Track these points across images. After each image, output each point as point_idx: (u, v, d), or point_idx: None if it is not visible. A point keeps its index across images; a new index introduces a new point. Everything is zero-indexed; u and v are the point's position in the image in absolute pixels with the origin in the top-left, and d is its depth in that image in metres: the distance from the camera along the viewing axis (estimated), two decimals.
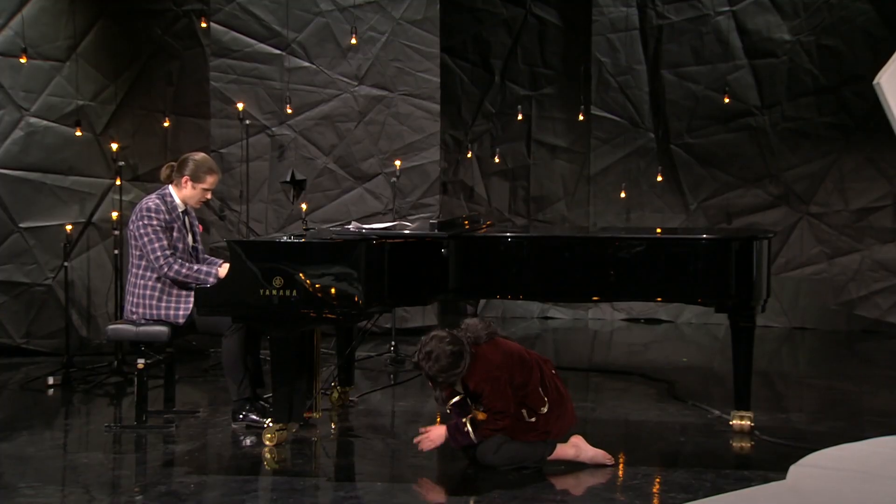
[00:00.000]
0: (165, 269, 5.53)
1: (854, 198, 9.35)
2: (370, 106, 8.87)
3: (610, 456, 4.87)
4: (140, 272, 5.60)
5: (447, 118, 10.05)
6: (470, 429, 4.72)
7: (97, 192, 7.96)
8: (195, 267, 5.58)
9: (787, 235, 9.48)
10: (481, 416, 4.73)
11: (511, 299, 8.98)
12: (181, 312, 5.57)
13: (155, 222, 5.56)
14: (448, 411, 4.87)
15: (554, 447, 4.82)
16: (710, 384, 6.98)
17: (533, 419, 4.78)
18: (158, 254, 5.53)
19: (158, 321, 5.58)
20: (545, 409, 4.80)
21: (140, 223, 5.57)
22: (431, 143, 8.99)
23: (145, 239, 5.55)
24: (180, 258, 5.60)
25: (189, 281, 5.54)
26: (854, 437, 5.37)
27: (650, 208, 9.81)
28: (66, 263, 7.25)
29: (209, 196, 5.80)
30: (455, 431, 4.76)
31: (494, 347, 4.78)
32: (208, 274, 5.53)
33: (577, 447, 4.86)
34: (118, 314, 7.20)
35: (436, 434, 4.82)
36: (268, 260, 5.09)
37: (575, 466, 4.85)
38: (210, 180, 5.72)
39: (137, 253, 5.61)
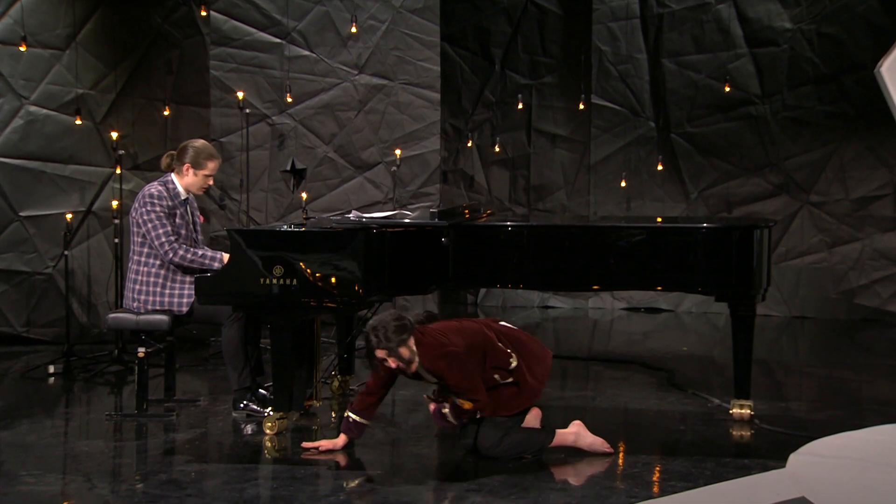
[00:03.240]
0: (171, 255, 5.53)
1: (854, 187, 9.35)
2: (370, 95, 8.86)
3: (609, 445, 4.87)
4: (143, 259, 5.60)
5: (447, 107, 10.04)
6: (448, 412, 4.75)
7: (97, 181, 7.96)
8: (200, 252, 5.58)
9: (788, 224, 9.48)
10: (467, 405, 4.74)
11: (511, 288, 8.92)
12: (185, 300, 5.57)
13: (158, 209, 5.56)
14: (452, 420, 4.84)
15: (553, 435, 4.82)
16: (709, 373, 6.99)
17: (510, 379, 4.76)
18: (163, 240, 5.53)
19: (159, 310, 5.58)
20: (514, 362, 4.79)
21: (143, 209, 5.56)
22: (432, 132, 8.98)
23: (149, 225, 5.54)
24: (184, 244, 5.60)
25: (194, 266, 5.54)
26: (854, 425, 5.38)
27: (650, 197, 9.80)
28: (66, 252, 7.25)
29: (211, 182, 5.79)
30: (436, 415, 4.82)
31: (440, 328, 4.79)
32: (213, 259, 5.53)
33: (576, 434, 4.86)
34: (118, 303, 7.21)
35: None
36: (268, 249, 5.09)
37: (575, 456, 4.85)
38: (211, 166, 5.71)
39: (140, 241, 5.60)
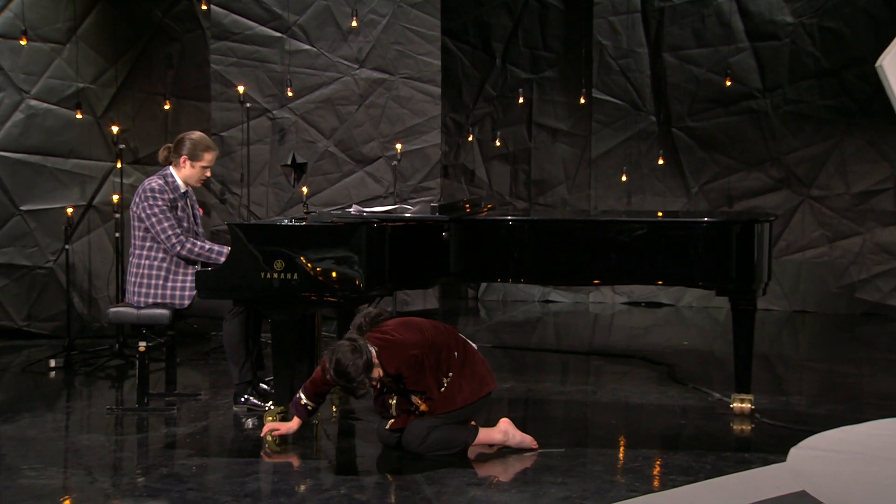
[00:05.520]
0: (178, 248, 5.52)
1: (855, 181, 9.35)
2: (371, 89, 8.85)
3: (536, 442, 4.86)
4: (144, 253, 5.59)
5: (448, 101, 10.03)
6: (393, 403, 4.75)
7: (98, 175, 7.96)
8: (206, 245, 5.57)
9: (789, 219, 9.48)
10: (423, 406, 4.74)
11: (512, 283, 8.98)
12: (186, 294, 5.56)
13: (161, 202, 5.55)
14: (393, 413, 4.84)
15: (477, 432, 4.82)
16: (710, 367, 6.99)
17: (443, 389, 4.76)
18: (169, 233, 5.52)
19: (160, 304, 5.58)
20: (447, 382, 4.76)
21: (145, 204, 5.56)
22: (432, 127, 8.98)
23: (153, 220, 5.54)
24: (189, 237, 5.60)
25: (201, 259, 5.54)
26: (854, 419, 5.38)
27: (651, 192, 9.80)
28: (67, 246, 7.25)
29: (209, 174, 5.78)
30: (379, 403, 4.83)
31: (400, 329, 4.72)
32: (220, 253, 5.52)
33: (504, 432, 4.85)
34: (119, 297, 7.21)
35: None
36: (269, 243, 5.09)
37: (574, 450, 4.86)
38: (208, 157, 5.70)
39: (140, 234, 5.60)
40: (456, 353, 4.82)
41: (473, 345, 5.00)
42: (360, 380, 4.55)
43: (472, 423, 4.89)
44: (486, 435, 4.83)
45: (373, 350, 4.60)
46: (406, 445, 4.76)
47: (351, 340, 4.62)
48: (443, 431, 4.77)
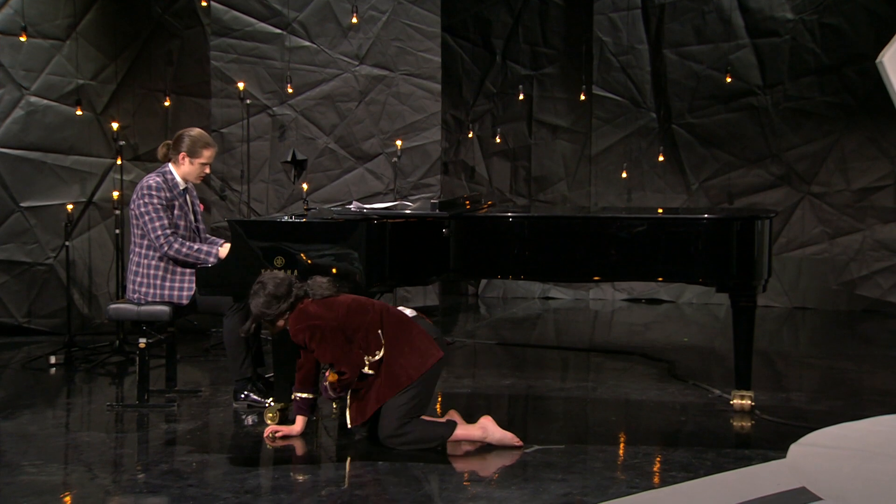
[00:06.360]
0: (166, 248, 5.52)
1: (856, 177, 9.34)
2: (371, 86, 8.84)
3: (518, 439, 4.84)
4: (143, 251, 5.59)
5: (448, 98, 10.03)
6: (327, 385, 4.82)
7: (98, 172, 7.96)
8: (195, 246, 5.56)
9: (789, 215, 9.48)
10: (331, 377, 4.78)
11: (512, 279, 8.94)
12: (185, 293, 5.56)
13: (156, 200, 5.55)
14: (331, 393, 4.89)
15: (454, 428, 4.80)
16: (710, 364, 6.99)
17: (372, 371, 4.78)
18: (159, 232, 5.52)
19: (161, 301, 5.58)
20: (380, 354, 4.78)
21: (141, 201, 5.56)
22: (432, 123, 8.97)
23: (146, 217, 5.53)
24: (182, 236, 5.60)
25: (189, 260, 5.53)
26: (854, 416, 5.39)
27: (651, 188, 9.80)
28: (67, 243, 7.25)
29: (208, 170, 5.77)
30: (321, 387, 4.92)
31: (321, 305, 4.82)
32: (209, 254, 5.52)
33: (484, 429, 4.83)
34: (119, 293, 7.21)
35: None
36: (269, 239, 5.09)
37: (575, 446, 4.86)
38: (207, 154, 5.69)
39: (139, 233, 5.59)
40: (381, 332, 4.81)
41: (409, 312, 4.98)
42: (269, 313, 4.81)
43: (452, 418, 4.90)
44: (464, 431, 4.81)
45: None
46: (383, 441, 4.77)
47: (290, 284, 4.81)
48: (420, 426, 4.76)
